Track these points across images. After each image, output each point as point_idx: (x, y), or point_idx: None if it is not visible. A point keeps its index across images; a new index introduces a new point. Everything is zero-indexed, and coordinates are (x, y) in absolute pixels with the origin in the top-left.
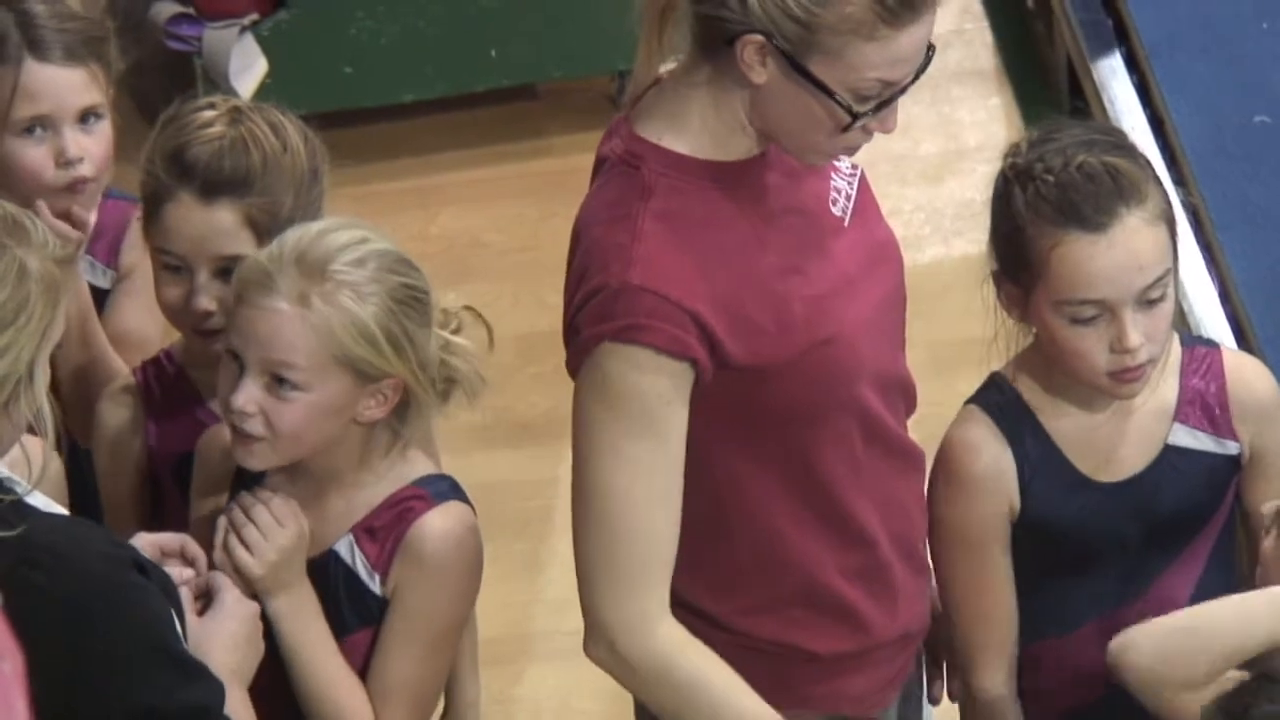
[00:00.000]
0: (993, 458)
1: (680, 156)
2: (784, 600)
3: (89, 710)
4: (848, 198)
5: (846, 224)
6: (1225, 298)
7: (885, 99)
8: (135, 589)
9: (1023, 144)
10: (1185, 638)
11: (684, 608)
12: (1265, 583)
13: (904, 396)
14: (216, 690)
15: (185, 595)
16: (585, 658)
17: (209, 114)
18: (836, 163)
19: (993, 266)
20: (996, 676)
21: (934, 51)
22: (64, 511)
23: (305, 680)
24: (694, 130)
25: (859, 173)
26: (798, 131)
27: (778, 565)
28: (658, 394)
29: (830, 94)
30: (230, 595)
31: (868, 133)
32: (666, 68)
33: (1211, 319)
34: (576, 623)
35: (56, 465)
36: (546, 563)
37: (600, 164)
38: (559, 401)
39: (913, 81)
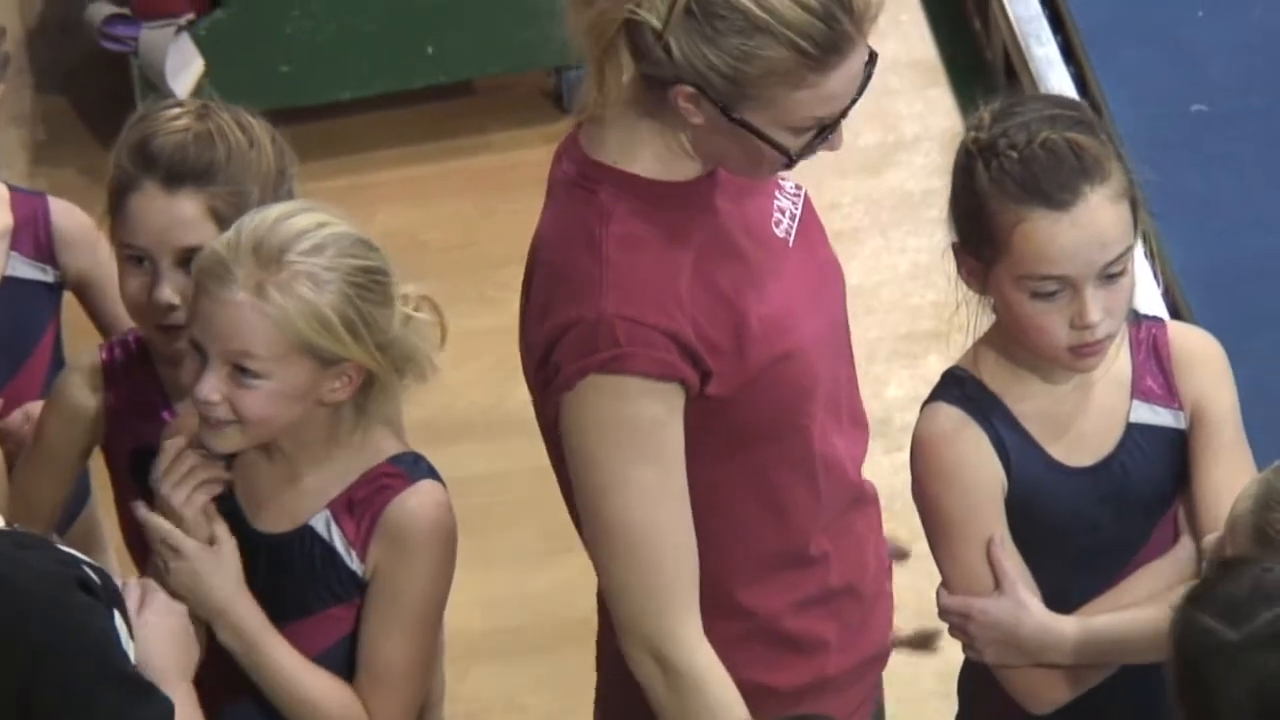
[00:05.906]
0: (971, 440)
1: (634, 178)
2: (738, 636)
3: None
4: (792, 217)
5: (791, 243)
6: (1164, 287)
7: (828, 125)
8: (82, 610)
9: (985, 117)
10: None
11: None
12: None
13: (858, 429)
14: (166, 708)
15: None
16: (528, 655)
17: (177, 109)
18: (781, 181)
19: (952, 239)
20: None
21: (875, 64)
22: (1, 524)
23: (276, 691)
24: (644, 154)
25: (803, 193)
26: (742, 167)
27: (728, 600)
28: (652, 417)
29: (765, 139)
30: (160, 596)
31: (814, 151)
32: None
33: (1151, 308)
34: (518, 620)
35: None
36: (489, 560)
37: (553, 187)
38: (500, 398)
39: (854, 102)
